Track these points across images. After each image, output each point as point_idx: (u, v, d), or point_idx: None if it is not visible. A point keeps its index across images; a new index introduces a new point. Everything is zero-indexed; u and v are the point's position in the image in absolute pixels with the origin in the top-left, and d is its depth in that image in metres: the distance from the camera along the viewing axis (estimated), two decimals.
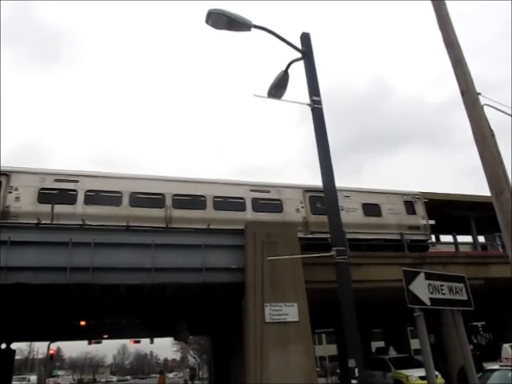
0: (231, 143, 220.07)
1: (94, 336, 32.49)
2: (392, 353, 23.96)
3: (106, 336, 33.51)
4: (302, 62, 6.93)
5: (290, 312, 14.10)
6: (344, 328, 5.41)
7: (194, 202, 17.31)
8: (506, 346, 11.66)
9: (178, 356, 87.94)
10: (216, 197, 17.56)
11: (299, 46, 6.94)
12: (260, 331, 13.68)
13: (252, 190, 18.29)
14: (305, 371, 13.59)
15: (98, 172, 17.08)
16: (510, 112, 6.25)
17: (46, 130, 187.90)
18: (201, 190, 17.55)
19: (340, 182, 6.84)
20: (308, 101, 6.61)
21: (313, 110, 6.53)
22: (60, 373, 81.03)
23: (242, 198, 18.02)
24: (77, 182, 16.08)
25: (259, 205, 18.18)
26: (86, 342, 36.79)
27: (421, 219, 20.74)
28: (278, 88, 7.03)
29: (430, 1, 5.76)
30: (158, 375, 46.38)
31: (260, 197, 18.37)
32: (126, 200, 16.39)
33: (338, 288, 5.66)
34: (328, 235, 18.31)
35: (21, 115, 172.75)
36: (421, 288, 6.37)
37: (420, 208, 20.93)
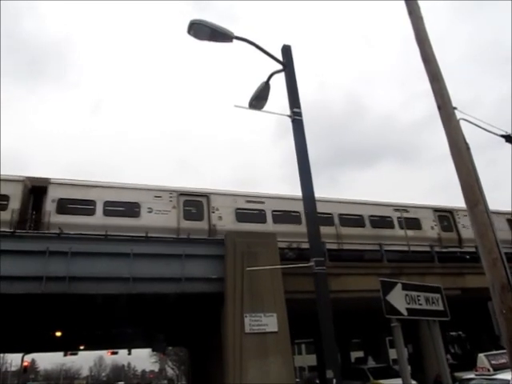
0: (213, 154, 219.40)
1: (69, 347, 31.76)
2: (371, 363, 24.05)
3: (82, 347, 32.76)
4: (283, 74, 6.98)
5: (270, 322, 14.04)
6: (322, 338, 5.41)
7: (355, 220, 19.84)
8: (481, 355, 11.78)
9: (156, 367, 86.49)
10: (371, 216, 20.14)
11: (281, 58, 6.99)
12: (239, 342, 13.56)
13: (395, 210, 20.71)
14: (284, 382, 13.50)
15: (279, 194, 19.23)
16: (485, 127, 6.39)
17: (27, 140, 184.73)
18: (361, 210, 20.23)
19: (318, 194, 6.86)
20: (288, 112, 6.65)
21: (293, 121, 6.57)
22: None
23: (389, 217, 20.64)
24: (263, 202, 17.99)
25: (403, 223, 20.60)
26: (61, 354, 36.04)
27: None
28: (259, 99, 7.05)
29: (409, 17, 5.89)
30: None
31: (402, 216, 20.80)
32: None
33: (316, 298, 5.65)
34: (458, 248, 20.78)
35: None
36: (398, 298, 6.42)
37: None
